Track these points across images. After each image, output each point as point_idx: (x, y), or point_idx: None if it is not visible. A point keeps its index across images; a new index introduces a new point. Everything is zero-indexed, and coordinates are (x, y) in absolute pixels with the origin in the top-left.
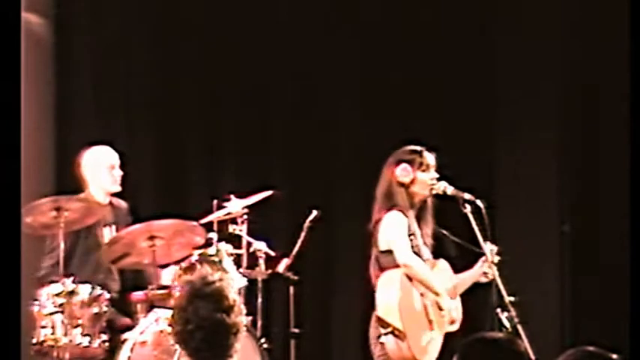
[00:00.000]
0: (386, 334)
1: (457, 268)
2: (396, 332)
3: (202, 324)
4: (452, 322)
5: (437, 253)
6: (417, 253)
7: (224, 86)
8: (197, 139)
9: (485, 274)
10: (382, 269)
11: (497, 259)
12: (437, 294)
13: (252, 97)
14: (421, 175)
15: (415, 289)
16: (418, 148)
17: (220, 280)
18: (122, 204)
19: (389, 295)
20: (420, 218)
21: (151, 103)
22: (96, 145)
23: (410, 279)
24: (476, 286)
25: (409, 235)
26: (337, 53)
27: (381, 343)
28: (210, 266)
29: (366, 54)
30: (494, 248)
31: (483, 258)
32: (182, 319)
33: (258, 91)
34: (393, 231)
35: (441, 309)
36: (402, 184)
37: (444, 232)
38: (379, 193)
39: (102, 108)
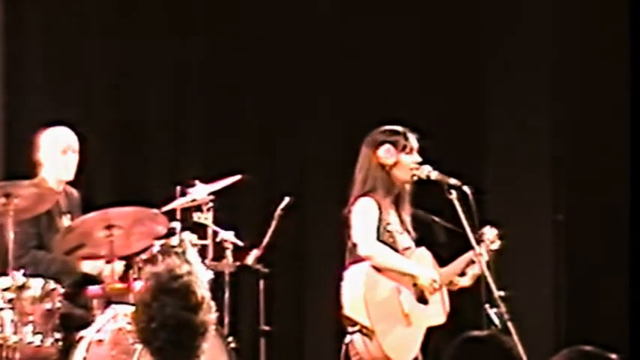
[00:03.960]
0: (352, 332)
1: (449, 256)
2: (364, 330)
3: (167, 322)
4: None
5: (425, 241)
6: (388, 243)
7: (190, 62)
8: (159, 118)
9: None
10: (357, 261)
11: (496, 245)
12: (414, 277)
13: (220, 74)
14: (404, 158)
15: (386, 282)
16: (401, 129)
17: (189, 274)
18: (74, 193)
19: (353, 290)
20: (397, 204)
21: (109, 80)
22: (55, 125)
23: (379, 271)
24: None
25: (383, 224)
26: (311, 29)
27: (346, 344)
28: (176, 258)
29: (343, 29)
30: (495, 231)
31: (478, 248)
32: (145, 315)
33: (226, 69)
34: (359, 220)
35: (426, 302)
36: (383, 167)
37: (435, 218)
38: (358, 175)
39: (55, 86)
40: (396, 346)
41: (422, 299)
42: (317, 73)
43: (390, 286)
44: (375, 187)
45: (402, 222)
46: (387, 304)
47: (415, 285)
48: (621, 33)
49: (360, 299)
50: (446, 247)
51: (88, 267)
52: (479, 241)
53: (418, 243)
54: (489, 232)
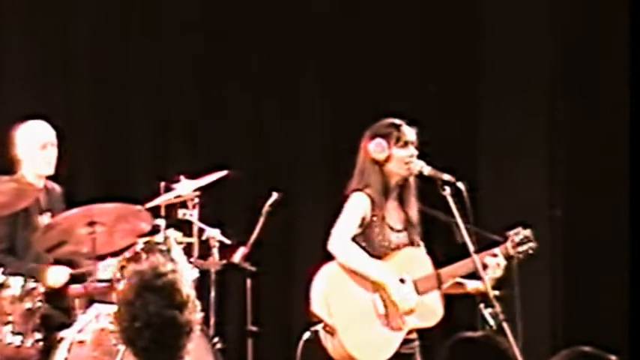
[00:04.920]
0: (312, 330)
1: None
2: (327, 328)
3: (152, 321)
4: (409, 312)
5: (439, 240)
6: (376, 240)
7: (174, 54)
8: (143, 112)
9: (498, 264)
10: None
11: (524, 247)
12: (380, 283)
13: (205, 66)
14: (398, 152)
15: (360, 281)
16: (397, 121)
17: (173, 271)
18: (56, 188)
19: (319, 287)
20: (402, 200)
21: (92, 72)
22: (31, 119)
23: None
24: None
25: (375, 220)
26: (303, 23)
27: (304, 341)
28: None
29: (334, 18)
30: (525, 233)
31: (500, 248)
32: (129, 314)
33: (213, 62)
34: (343, 215)
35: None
36: (375, 162)
37: (456, 219)
38: (356, 170)
39: (36, 77)
40: (363, 345)
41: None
42: (308, 66)
43: (363, 284)
44: (369, 182)
45: (406, 219)
46: (355, 303)
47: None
48: (621, 28)
49: (322, 296)
50: (464, 248)
51: (52, 280)
52: (500, 243)
53: (431, 242)
54: (519, 235)
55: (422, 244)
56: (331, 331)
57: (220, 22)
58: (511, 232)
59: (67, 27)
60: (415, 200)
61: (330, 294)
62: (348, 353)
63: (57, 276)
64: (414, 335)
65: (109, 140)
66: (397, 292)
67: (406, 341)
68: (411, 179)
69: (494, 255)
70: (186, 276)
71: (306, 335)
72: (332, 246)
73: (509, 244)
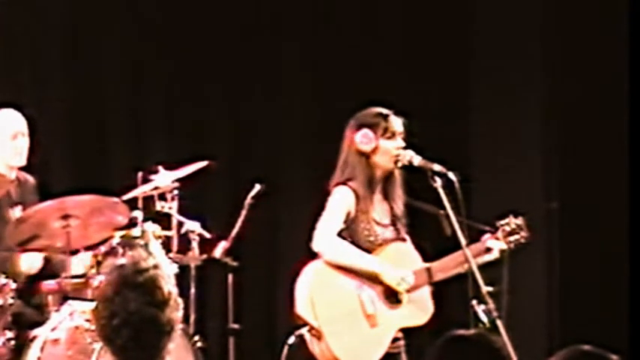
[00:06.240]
0: (297, 334)
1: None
2: (313, 331)
3: (131, 319)
4: (407, 291)
5: (428, 233)
6: (362, 236)
7: (151, 39)
8: (119, 99)
9: (489, 249)
10: None
11: (517, 237)
12: (376, 275)
13: (184, 50)
14: (385, 144)
15: (344, 281)
16: (384, 111)
17: (155, 267)
18: (29, 179)
19: (303, 288)
20: (386, 193)
21: (65, 58)
22: (1, 108)
23: (339, 268)
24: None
25: (360, 214)
26: (289, 8)
27: (289, 345)
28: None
29: (323, 7)
30: (517, 222)
31: (487, 236)
32: (107, 311)
33: (191, 44)
34: (326, 211)
35: (399, 301)
36: (361, 153)
37: (447, 212)
38: (339, 161)
39: (6, 62)
40: (351, 348)
41: (396, 298)
42: (294, 53)
43: (349, 284)
44: (354, 175)
45: (392, 213)
46: (341, 304)
47: (381, 283)
48: (619, 16)
49: (306, 298)
50: (452, 240)
51: (25, 265)
52: (488, 232)
53: (421, 235)
54: (509, 224)
55: (408, 238)
56: (317, 335)
57: (198, 9)
58: (502, 222)
59: (39, 15)
60: (401, 193)
61: (315, 296)
62: (335, 357)
63: (31, 261)
64: (399, 334)
65: (83, 129)
66: (392, 278)
67: (391, 340)
68: (396, 171)
69: (497, 238)
70: (168, 272)
71: (291, 340)
72: (317, 245)
73: (500, 234)
